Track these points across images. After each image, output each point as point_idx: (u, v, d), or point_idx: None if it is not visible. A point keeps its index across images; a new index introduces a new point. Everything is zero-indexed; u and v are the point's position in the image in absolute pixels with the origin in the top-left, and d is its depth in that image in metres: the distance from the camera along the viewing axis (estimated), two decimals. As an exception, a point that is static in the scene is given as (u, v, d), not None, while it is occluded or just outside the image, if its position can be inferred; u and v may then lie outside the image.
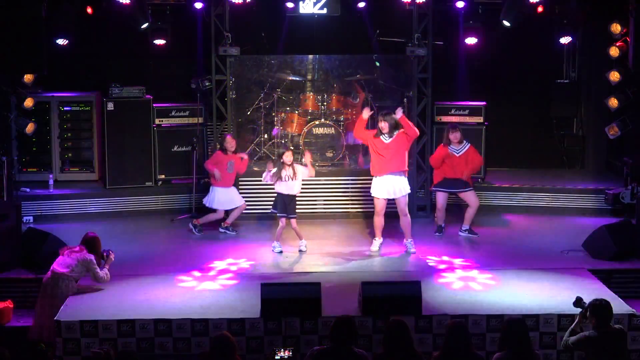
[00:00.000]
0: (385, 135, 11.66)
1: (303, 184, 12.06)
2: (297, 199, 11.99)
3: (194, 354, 9.02)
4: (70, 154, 14.62)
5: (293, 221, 11.90)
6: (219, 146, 13.10)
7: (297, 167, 11.87)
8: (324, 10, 13.64)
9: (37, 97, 13.69)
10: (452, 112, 14.35)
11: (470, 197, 12.67)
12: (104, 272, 10.08)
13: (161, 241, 12.68)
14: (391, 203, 11.95)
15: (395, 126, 11.65)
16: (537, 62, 15.62)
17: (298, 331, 9.22)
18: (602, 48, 13.42)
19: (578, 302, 8.23)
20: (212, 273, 10.98)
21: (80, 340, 9.09)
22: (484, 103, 14.53)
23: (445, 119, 14.27)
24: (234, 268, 11.29)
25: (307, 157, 12.02)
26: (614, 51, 13.17)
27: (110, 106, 14.07)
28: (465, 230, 12.74)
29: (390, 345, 7.39)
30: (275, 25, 14.59)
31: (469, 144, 12.75)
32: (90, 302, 9.75)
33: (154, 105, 14.30)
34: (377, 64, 14.66)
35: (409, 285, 9.51)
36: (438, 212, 12.83)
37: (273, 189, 12.07)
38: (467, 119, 14.27)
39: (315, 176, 13.42)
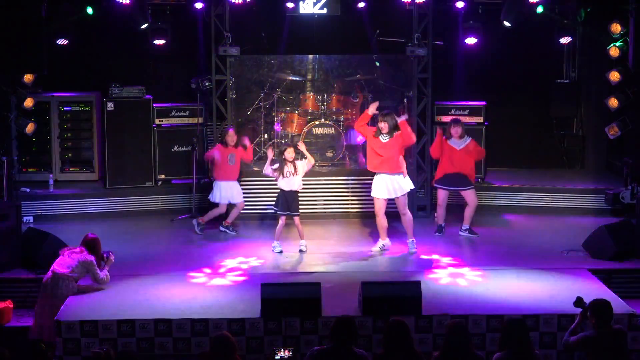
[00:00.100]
0: (385, 135, 11.67)
1: (303, 184, 12.06)
2: (298, 198, 11.99)
3: (194, 354, 9.03)
4: (70, 154, 14.62)
5: (296, 219, 11.90)
6: (219, 137, 13.04)
7: (298, 162, 11.90)
8: (324, 10, 13.64)
9: (37, 97, 13.69)
10: (452, 112, 14.34)
11: (469, 196, 12.67)
12: (104, 274, 10.10)
13: (161, 241, 12.68)
14: (391, 203, 11.96)
15: (394, 127, 11.66)
16: (537, 62, 15.62)
17: (298, 331, 9.22)
18: (602, 48, 13.41)
19: (578, 302, 8.23)
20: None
21: (80, 340, 9.10)
22: (484, 103, 14.53)
23: (445, 119, 14.26)
24: (235, 268, 11.31)
25: (302, 146, 12.07)
26: (614, 51, 13.17)
27: (110, 106, 14.07)
28: (465, 230, 12.75)
29: (390, 345, 7.39)
30: (275, 25, 14.58)
31: (470, 139, 12.74)
32: (90, 302, 9.75)
33: (154, 105, 14.30)
34: (377, 64, 14.66)
35: (409, 285, 9.51)
36: (438, 209, 12.83)
37: (274, 188, 12.08)
38: (467, 119, 14.26)
39: (315, 176, 13.47)
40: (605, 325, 7.82)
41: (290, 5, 13.54)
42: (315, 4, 13.58)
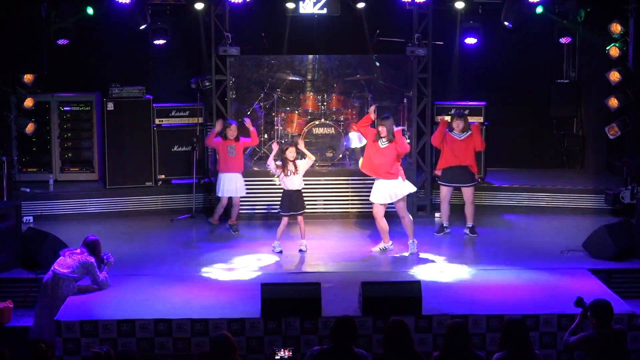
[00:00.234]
0: (383, 140, 11.67)
1: (304, 184, 12.06)
2: (302, 195, 12.00)
3: (194, 354, 9.02)
4: (70, 154, 14.61)
5: (300, 218, 11.91)
6: (220, 127, 13.00)
7: (298, 162, 11.93)
8: (324, 10, 13.63)
9: (37, 97, 13.68)
10: (452, 111, 14.30)
11: (468, 193, 12.67)
12: (103, 276, 10.10)
13: (161, 241, 12.68)
14: (391, 204, 11.95)
15: (392, 133, 11.66)
16: (537, 62, 15.62)
17: (298, 331, 9.22)
18: (602, 48, 13.41)
19: (579, 302, 8.23)
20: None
21: (80, 340, 9.10)
22: (483, 103, 14.53)
23: (445, 119, 14.23)
24: (236, 268, 11.32)
25: (301, 145, 12.10)
26: (614, 51, 13.17)
27: (110, 106, 14.07)
28: (468, 228, 12.74)
29: (390, 345, 7.39)
30: (275, 25, 14.57)
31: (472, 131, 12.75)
32: (90, 302, 9.75)
33: (154, 105, 14.29)
34: (377, 63, 14.66)
35: (409, 285, 9.51)
36: (442, 206, 12.80)
37: (277, 188, 12.10)
38: (468, 119, 14.23)
39: (315, 176, 13.47)
40: (606, 325, 7.82)
41: (290, 5, 13.53)
42: (315, 4, 13.58)
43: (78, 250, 10.06)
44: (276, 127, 14.30)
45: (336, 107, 14.33)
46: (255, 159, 14.09)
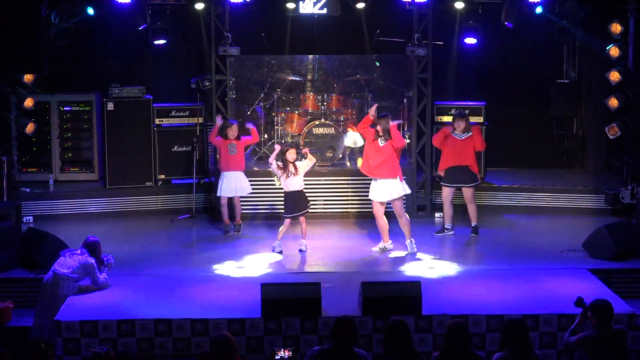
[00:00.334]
0: (381, 138, 11.68)
1: (304, 184, 12.07)
2: (305, 195, 12.01)
3: (194, 354, 9.03)
4: (70, 154, 14.61)
5: (302, 217, 11.91)
6: (220, 121, 12.98)
7: (298, 163, 11.94)
8: (324, 10, 13.63)
9: (37, 97, 13.68)
10: (452, 112, 14.32)
11: (468, 193, 12.68)
12: (103, 278, 10.10)
13: (161, 241, 12.68)
14: (388, 203, 11.96)
15: (388, 131, 11.67)
16: (537, 62, 15.62)
17: (298, 331, 9.22)
18: (602, 48, 13.41)
19: (579, 302, 8.23)
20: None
21: (80, 340, 9.10)
22: (483, 103, 14.53)
23: (445, 119, 14.26)
24: (236, 268, 11.32)
25: (306, 152, 12.14)
26: (614, 51, 13.17)
27: (110, 106, 14.07)
28: (471, 228, 12.75)
29: (390, 345, 7.39)
30: (275, 25, 14.58)
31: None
32: (90, 302, 9.75)
33: (154, 105, 14.29)
34: (377, 63, 14.66)
35: (409, 285, 9.51)
36: (444, 206, 12.79)
37: (278, 188, 12.08)
38: (469, 119, 14.23)
39: (315, 176, 13.47)
40: (606, 325, 7.82)
41: (290, 5, 13.53)
42: (315, 4, 13.57)
43: (78, 251, 10.06)
44: (276, 127, 14.30)
45: (336, 107, 14.33)
46: (255, 158, 14.10)
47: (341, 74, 14.63)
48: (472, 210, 12.74)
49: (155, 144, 14.28)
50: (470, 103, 14.52)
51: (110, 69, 14.98)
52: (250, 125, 13.01)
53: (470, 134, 12.63)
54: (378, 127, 11.68)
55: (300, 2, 13.56)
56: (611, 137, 13.63)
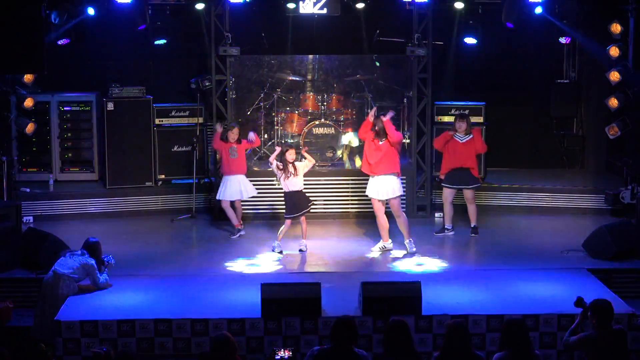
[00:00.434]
0: (380, 137, 11.70)
1: (304, 184, 12.07)
2: (305, 194, 12.01)
3: (194, 354, 9.03)
4: (70, 154, 14.61)
5: (303, 217, 11.91)
6: (221, 129, 12.97)
7: (298, 163, 11.95)
8: (324, 10, 13.62)
9: (37, 97, 13.68)
10: (452, 112, 14.34)
11: (468, 194, 12.69)
12: (104, 278, 10.10)
13: (161, 241, 12.68)
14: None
15: (383, 129, 11.68)
16: (537, 62, 15.62)
17: (298, 331, 9.22)
18: (602, 48, 13.40)
19: (579, 302, 8.23)
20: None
21: (80, 340, 9.10)
22: (483, 103, 14.53)
23: (445, 119, 14.26)
24: (236, 268, 11.32)
25: (304, 151, 12.14)
26: (614, 51, 13.17)
27: (110, 106, 14.07)
28: (471, 228, 12.75)
29: (390, 345, 7.39)
30: (275, 25, 14.58)
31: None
32: (90, 302, 9.75)
33: (154, 105, 14.29)
34: (377, 63, 14.66)
35: (409, 285, 9.51)
36: (445, 207, 12.80)
37: (278, 188, 12.08)
38: (470, 121, 14.23)
39: (315, 176, 13.47)
40: (606, 325, 7.82)
41: (290, 5, 13.53)
42: (315, 4, 13.57)
43: (79, 252, 10.06)
44: (276, 127, 14.30)
45: (336, 107, 14.33)
46: (255, 158, 14.09)
47: (341, 74, 14.63)
48: (472, 210, 12.75)
49: (155, 144, 14.28)
50: (470, 103, 14.53)
51: (110, 69, 14.99)
52: (253, 136, 12.98)
53: (471, 136, 12.63)
54: (376, 127, 11.70)
55: (300, 2, 13.56)
56: (611, 137, 13.62)
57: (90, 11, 13.20)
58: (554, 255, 11.71)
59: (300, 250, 11.96)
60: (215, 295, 10.08)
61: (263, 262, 11.61)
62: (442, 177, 12.83)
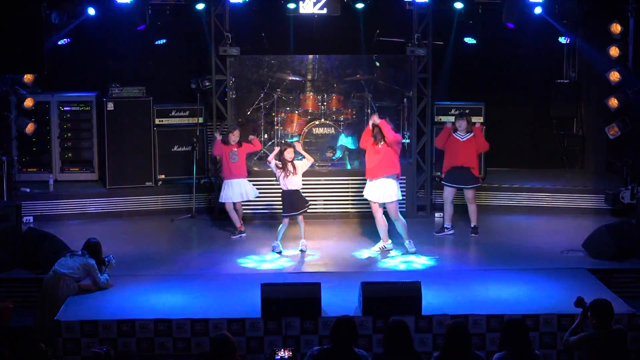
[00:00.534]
0: (379, 140, 11.71)
1: (303, 184, 12.08)
2: (302, 194, 12.01)
3: (194, 354, 9.03)
4: (70, 154, 14.61)
5: (301, 217, 11.92)
6: (220, 137, 12.98)
7: (297, 162, 11.94)
8: (324, 10, 13.62)
9: (37, 97, 13.68)
10: (452, 112, 14.34)
11: (469, 194, 12.70)
12: (104, 278, 10.10)
13: (161, 241, 12.68)
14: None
15: (380, 132, 11.68)
16: (537, 62, 15.62)
17: (298, 331, 9.22)
18: (602, 48, 13.41)
19: (579, 302, 8.22)
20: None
21: (80, 340, 9.10)
22: (483, 103, 14.53)
23: (445, 119, 14.26)
24: (236, 268, 11.33)
25: (298, 146, 12.13)
26: (614, 51, 13.17)
27: (110, 106, 14.07)
28: (471, 228, 12.76)
29: (390, 345, 7.39)
30: (275, 25, 14.58)
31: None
32: (90, 302, 9.75)
33: (154, 105, 14.29)
34: (377, 63, 14.66)
35: (409, 285, 9.51)
36: (445, 206, 12.80)
37: (277, 188, 12.08)
38: (471, 119, 14.23)
39: (315, 176, 13.48)
40: (606, 325, 7.82)
41: (290, 5, 13.52)
42: (315, 4, 13.57)
43: (79, 252, 10.06)
44: (276, 127, 14.30)
45: (336, 107, 14.33)
46: (255, 158, 14.09)
47: (341, 74, 14.63)
48: (472, 210, 12.76)
49: (155, 144, 14.28)
50: (470, 103, 14.53)
51: (110, 69, 14.99)
52: (254, 140, 12.97)
53: (472, 134, 12.63)
54: (374, 132, 11.71)
55: (300, 2, 13.55)
56: (611, 137, 13.62)
57: (91, 11, 13.20)
58: (554, 255, 11.72)
59: (300, 250, 11.96)
60: (215, 295, 10.08)
61: (263, 262, 11.62)
62: (443, 175, 12.84)
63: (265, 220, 13.49)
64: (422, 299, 9.36)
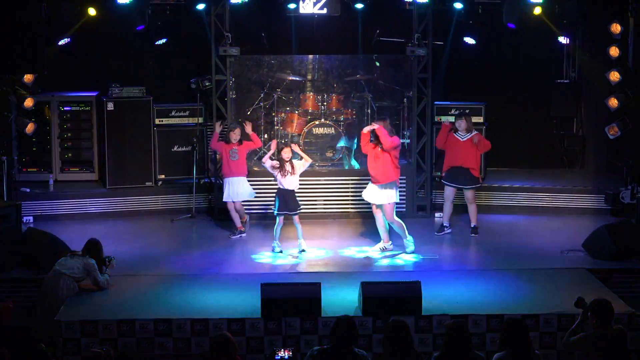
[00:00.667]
0: (377, 143, 11.71)
1: (303, 184, 12.08)
2: (296, 198, 12.01)
3: (194, 354, 9.02)
4: (70, 154, 14.60)
5: (296, 217, 11.92)
6: (219, 129, 12.96)
7: (295, 162, 11.93)
8: (324, 10, 13.62)
9: (37, 97, 13.67)
10: (452, 112, 14.34)
11: (468, 195, 12.70)
12: (104, 278, 10.10)
13: (161, 241, 12.68)
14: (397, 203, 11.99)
15: (377, 137, 11.68)
16: (537, 62, 15.61)
17: (298, 331, 9.22)
18: (602, 48, 13.41)
19: (579, 302, 8.23)
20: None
21: (80, 340, 9.10)
22: (484, 103, 14.53)
23: (445, 119, 14.25)
24: (235, 268, 11.32)
25: (296, 148, 12.13)
26: (614, 51, 13.17)
27: (110, 106, 14.07)
28: (471, 228, 12.76)
29: (390, 345, 7.39)
30: (275, 25, 14.58)
31: (476, 132, 12.75)
32: (90, 302, 9.75)
33: (154, 105, 14.29)
34: (377, 63, 14.65)
35: (409, 285, 9.51)
36: (445, 204, 12.82)
37: (275, 189, 12.07)
38: (471, 119, 14.23)
39: (315, 176, 13.48)
40: (606, 325, 7.82)
41: (290, 5, 13.52)
42: (315, 4, 13.56)
43: (80, 252, 10.06)
44: (276, 127, 14.30)
45: (336, 107, 14.33)
46: (255, 158, 14.09)
47: (341, 74, 14.62)
48: (472, 210, 12.76)
49: (155, 144, 14.28)
50: (470, 103, 14.53)
51: (110, 69, 14.98)
52: (249, 130, 12.96)
53: (472, 134, 12.63)
54: (372, 137, 11.72)
55: (300, 2, 13.55)
56: (611, 137, 13.61)
57: (91, 11, 13.20)
58: (554, 255, 11.72)
59: (301, 250, 11.96)
60: (215, 295, 10.07)
61: (263, 262, 11.64)
62: (443, 175, 12.85)
63: (264, 221, 13.46)
64: (422, 299, 9.36)
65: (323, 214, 13.76)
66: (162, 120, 14.34)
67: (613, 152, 15.06)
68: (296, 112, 14.31)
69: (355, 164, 14.12)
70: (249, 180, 12.99)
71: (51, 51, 12.74)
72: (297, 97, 14.55)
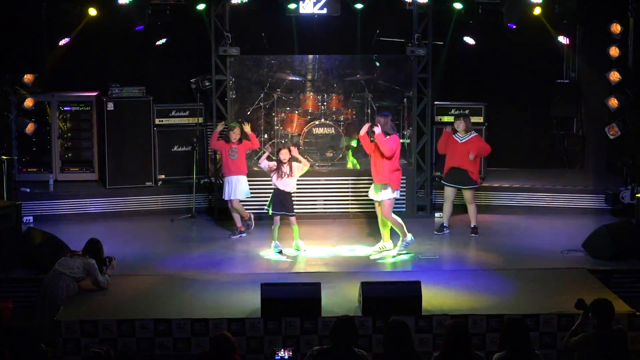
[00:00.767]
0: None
1: (303, 184, 12.08)
2: (296, 198, 11.99)
3: (194, 354, 9.03)
4: (70, 154, 14.60)
5: (293, 219, 11.93)
6: (219, 128, 12.97)
7: (294, 164, 11.93)
8: (324, 10, 13.61)
9: (37, 97, 13.68)
10: (452, 112, 14.34)
11: (467, 195, 12.71)
12: (104, 278, 10.10)
13: (161, 241, 12.68)
14: (396, 203, 11.98)
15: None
16: (537, 62, 15.61)
17: (298, 331, 9.22)
18: (602, 48, 13.41)
19: (579, 303, 8.22)
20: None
21: (80, 340, 9.10)
22: (484, 103, 14.53)
23: (445, 119, 14.26)
24: (235, 268, 11.32)
25: (294, 151, 12.11)
26: (614, 51, 13.17)
27: (110, 106, 14.07)
28: (471, 228, 12.77)
29: (390, 345, 7.39)
30: (275, 25, 14.58)
31: (475, 134, 12.76)
32: (90, 302, 9.75)
33: (154, 105, 14.29)
34: (377, 63, 14.65)
35: (409, 285, 9.51)
36: (445, 204, 12.83)
37: (273, 189, 12.07)
38: (469, 120, 14.23)
39: (315, 176, 13.47)
40: (606, 325, 7.82)
41: (290, 5, 13.52)
42: (315, 4, 13.56)
43: (80, 252, 10.06)
44: (276, 127, 14.30)
45: (336, 107, 14.33)
46: (255, 158, 14.08)
47: (341, 74, 14.62)
48: (472, 210, 12.77)
49: (155, 144, 14.28)
50: (470, 103, 14.53)
51: (110, 69, 14.98)
52: (248, 130, 12.96)
53: (471, 135, 12.63)
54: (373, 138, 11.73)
55: (300, 2, 13.54)
56: (611, 137, 13.61)
57: (91, 11, 13.20)
58: (554, 255, 11.72)
59: (301, 250, 11.96)
60: (215, 295, 10.07)
61: (262, 261, 11.65)
62: (443, 175, 12.87)
63: (263, 220, 13.44)
64: (422, 299, 9.36)
65: (323, 214, 13.76)
66: (162, 120, 14.34)
67: (613, 152, 15.05)
68: (296, 112, 14.31)
69: (355, 164, 14.12)
70: (248, 181, 12.98)
71: (51, 51, 12.73)
72: (297, 97, 14.55)
